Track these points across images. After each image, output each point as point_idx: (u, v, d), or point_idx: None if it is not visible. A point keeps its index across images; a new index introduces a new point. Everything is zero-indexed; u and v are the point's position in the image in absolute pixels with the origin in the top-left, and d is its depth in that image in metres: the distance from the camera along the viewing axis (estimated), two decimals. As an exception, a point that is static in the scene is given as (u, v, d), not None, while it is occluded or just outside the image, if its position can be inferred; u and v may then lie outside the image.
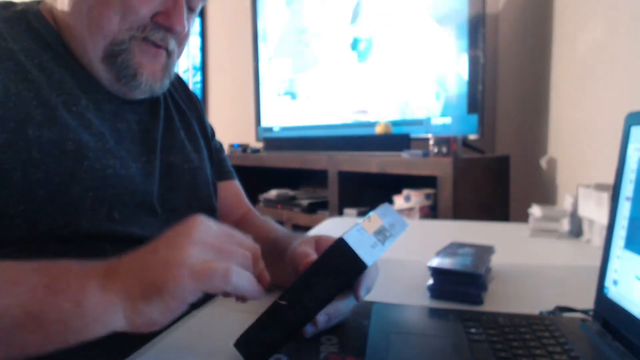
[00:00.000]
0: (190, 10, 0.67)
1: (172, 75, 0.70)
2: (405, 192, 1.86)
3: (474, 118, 1.89)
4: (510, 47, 2.08)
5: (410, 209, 1.82)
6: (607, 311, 0.52)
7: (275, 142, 2.64)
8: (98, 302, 0.41)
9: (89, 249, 0.56)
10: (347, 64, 2.39)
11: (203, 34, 3.39)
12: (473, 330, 0.50)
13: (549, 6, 1.79)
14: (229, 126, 3.13)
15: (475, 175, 1.78)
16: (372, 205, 0.56)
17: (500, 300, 0.66)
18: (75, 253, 0.55)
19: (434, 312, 0.58)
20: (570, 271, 0.83)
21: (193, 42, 3.35)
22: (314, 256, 0.53)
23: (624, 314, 0.48)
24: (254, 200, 2.45)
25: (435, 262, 0.69)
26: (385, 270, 0.61)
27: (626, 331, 0.47)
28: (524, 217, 1.24)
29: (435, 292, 0.67)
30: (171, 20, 0.62)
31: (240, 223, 0.81)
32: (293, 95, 2.67)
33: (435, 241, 0.84)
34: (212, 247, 0.43)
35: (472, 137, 1.90)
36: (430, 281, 0.67)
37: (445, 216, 1.68)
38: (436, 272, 0.67)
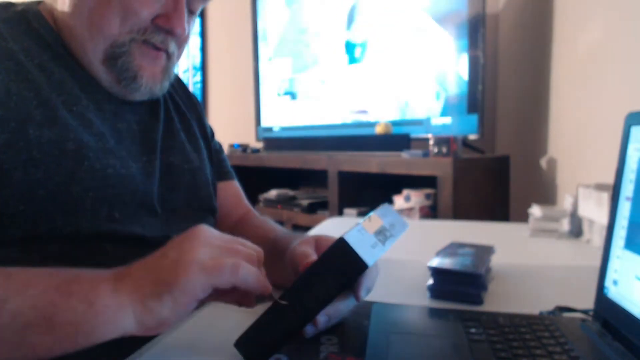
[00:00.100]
0: (191, 12, 0.67)
1: (171, 77, 0.70)
2: (405, 192, 1.86)
3: (474, 118, 1.89)
4: (510, 47, 2.08)
5: (410, 209, 1.82)
6: (607, 311, 0.52)
7: (275, 142, 2.64)
8: (109, 302, 0.41)
9: (89, 248, 0.56)
10: (347, 63, 2.39)
11: (203, 34, 3.39)
12: (473, 330, 0.50)
13: (549, 6, 1.79)
14: (229, 126, 3.13)
15: (475, 175, 1.78)
16: (372, 205, 0.56)
17: (500, 300, 0.66)
18: (75, 253, 0.55)
19: (434, 312, 0.58)
20: (570, 271, 0.83)
21: (193, 42, 3.35)
22: (314, 256, 0.53)
23: (624, 314, 0.48)
24: (254, 200, 2.46)
25: (435, 262, 0.69)
26: (385, 270, 0.61)
27: (626, 331, 0.47)
28: (524, 217, 1.24)
29: (435, 292, 0.67)
30: (172, 23, 0.62)
31: (240, 223, 0.81)
32: (293, 95, 2.68)
33: (435, 241, 0.84)
34: (219, 247, 0.46)
35: (472, 137, 1.90)
36: (430, 281, 0.67)
37: (445, 216, 1.68)
38: (436, 272, 0.67)
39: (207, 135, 0.83)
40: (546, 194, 1.80)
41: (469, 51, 1.90)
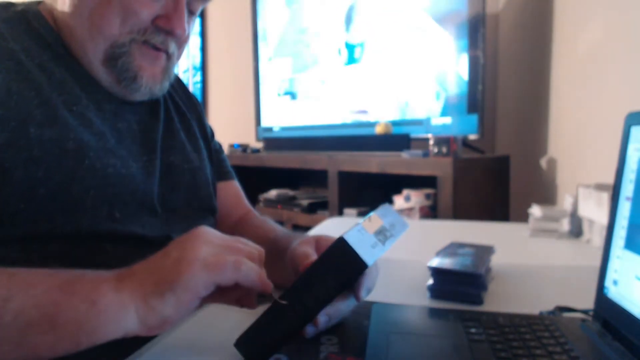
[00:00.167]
0: (191, 13, 0.67)
1: (171, 77, 0.70)
2: (405, 192, 1.86)
3: (474, 118, 1.89)
4: (510, 47, 2.08)
5: (410, 209, 1.82)
6: (607, 311, 0.52)
7: (275, 142, 2.64)
8: (112, 302, 0.42)
9: (89, 248, 0.56)
10: (347, 63, 2.39)
11: (203, 34, 3.39)
12: (473, 330, 0.50)
13: (549, 6, 1.79)
14: (229, 126, 3.13)
15: (475, 175, 1.78)
16: (372, 205, 0.56)
17: (500, 300, 0.66)
18: (75, 252, 0.55)
19: (434, 312, 0.58)
20: (570, 271, 0.83)
21: (193, 42, 3.35)
22: (314, 256, 0.53)
23: (624, 314, 0.48)
24: (254, 200, 2.46)
25: (435, 262, 0.69)
26: (385, 270, 0.61)
27: (626, 331, 0.47)
28: (524, 217, 1.24)
29: (435, 292, 0.67)
30: (172, 23, 0.62)
31: (240, 223, 0.81)
32: (293, 95, 2.68)
33: (435, 241, 0.84)
34: (221, 246, 0.46)
35: (472, 137, 1.91)
36: (430, 281, 0.67)
37: (445, 216, 1.68)
38: (436, 272, 0.67)
39: (207, 135, 0.83)
40: (546, 194, 1.80)
41: (469, 51, 1.90)
